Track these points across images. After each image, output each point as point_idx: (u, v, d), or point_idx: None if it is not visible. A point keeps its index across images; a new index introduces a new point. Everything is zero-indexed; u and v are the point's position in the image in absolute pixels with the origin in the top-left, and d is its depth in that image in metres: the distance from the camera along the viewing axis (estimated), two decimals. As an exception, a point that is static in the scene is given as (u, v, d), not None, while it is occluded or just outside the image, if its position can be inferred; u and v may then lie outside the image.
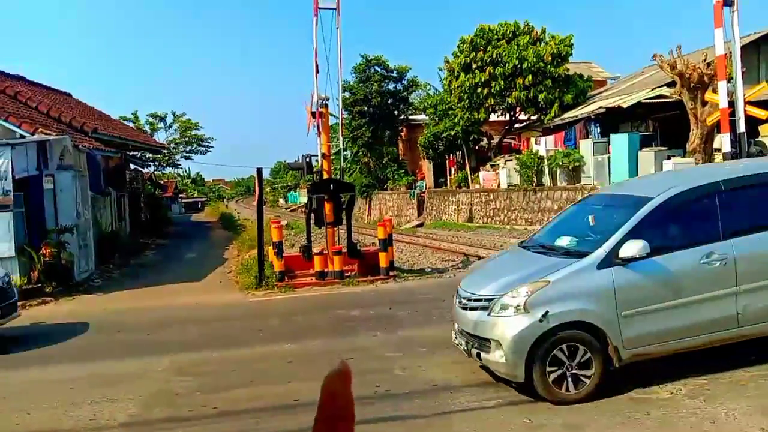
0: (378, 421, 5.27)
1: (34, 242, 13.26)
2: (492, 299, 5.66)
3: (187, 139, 50.66)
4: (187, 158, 52.22)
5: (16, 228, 12.80)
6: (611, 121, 20.79)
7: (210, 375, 7.06)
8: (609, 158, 19.27)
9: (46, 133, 14.03)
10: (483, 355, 5.64)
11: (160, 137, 47.99)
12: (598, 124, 21.50)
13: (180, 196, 61.90)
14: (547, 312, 5.35)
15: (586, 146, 20.86)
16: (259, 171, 14.23)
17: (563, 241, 6.39)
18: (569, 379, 5.37)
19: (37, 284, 12.96)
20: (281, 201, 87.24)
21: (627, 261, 5.50)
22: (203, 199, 78.06)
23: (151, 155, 35.60)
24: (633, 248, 5.46)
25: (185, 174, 66.39)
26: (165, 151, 40.91)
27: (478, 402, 5.48)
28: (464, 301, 6.03)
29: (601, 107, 21.34)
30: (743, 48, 13.70)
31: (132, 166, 25.96)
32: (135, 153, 26.85)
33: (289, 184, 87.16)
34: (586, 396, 5.36)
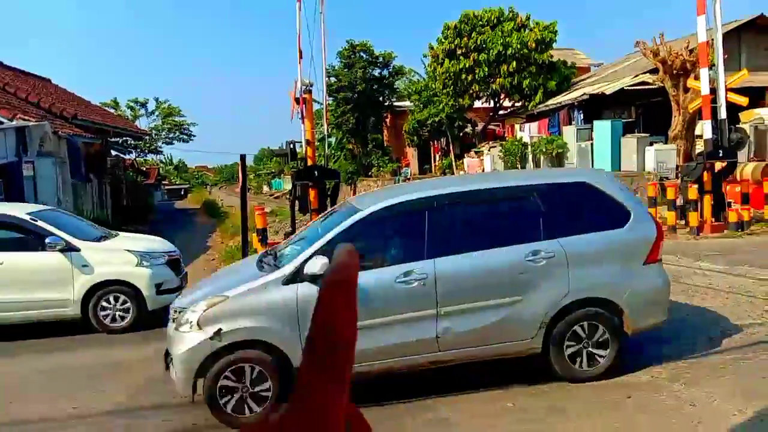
0: (361, 407, 5.29)
1: (14, 230, 13.07)
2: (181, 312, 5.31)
3: (169, 125, 50.18)
4: (168, 143, 51.76)
5: (-5, 215, 12.59)
6: (595, 107, 20.89)
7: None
8: (592, 145, 19.37)
9: (25, 119, 13.79)
10: (171, 370, 5.25)
11: (142, 123, 47.62)
12: (581, 111, 21.59)
13: (163, 182, 61.24)
14: (220, 329, 4.99)
15: (569, 133, 20.95)
16: (243, 158, 14.10)
17: (285, 252, 5.91)
18: (247, 401, 5.06)
19: (17, 272, 12.79)
20: (265, 188, 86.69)
21: (314, 278, 5.07)
22: (186, 186, 77.26)
23: (132, 141, 35.20)
24: (316, 265, 5.04)
25: (168, 161, 65.77)
26: (147, 137, 40.50)
27: (461, 387, 5.50)
28: (170, 310, 5.67)
29: (584, 94, 21.42)
30: (725, 35, 13.79)
31: (113, 153, 25.65)
32: (116, 139, 26.51)
33: (273, 170, 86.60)
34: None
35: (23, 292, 8.15)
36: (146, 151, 48.38)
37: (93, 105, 26.76)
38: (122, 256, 8.63)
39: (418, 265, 5.25)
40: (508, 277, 5.34)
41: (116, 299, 8.47)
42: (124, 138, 29.07)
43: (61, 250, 8.26)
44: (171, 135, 50.85)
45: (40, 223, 8.44)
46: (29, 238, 8.36)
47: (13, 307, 8.14)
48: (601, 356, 5.41)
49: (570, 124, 21.79)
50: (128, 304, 8.48)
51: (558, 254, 5.34)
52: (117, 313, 8.50)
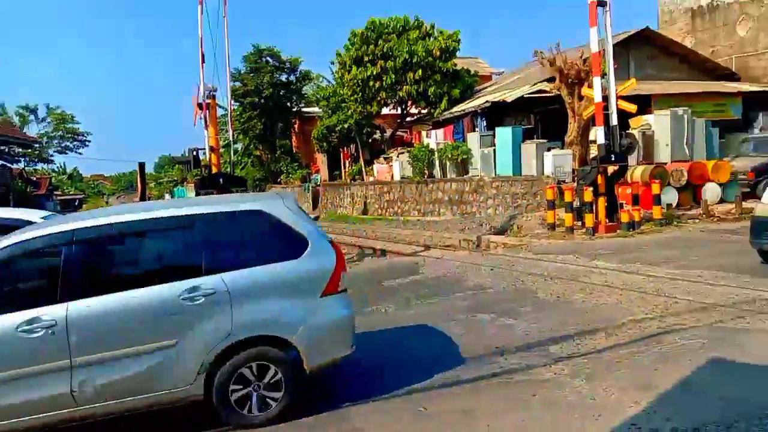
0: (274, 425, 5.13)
1: None
2: None
3: (61, 132, 47.38)
4: (61, 153, 48.94)
5: None
6: (496, 114, 21.61)
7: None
8: (494, 151, 20.00)
9: None
10: None
11: (32, 130, 44.58)
12: (484, 118, 22.25)
13: (55, 193, 57.61)
14: None
15: (473, 139, 21.53)
16: (141, 165, 13.54)
17: None
18: None
19: None
20: (167, 196, 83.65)
21: None
22: (81, 196, 73.10)
23: (21, 150, 32.88)
24: None
25: (61, 170, 61.98)
26: (37, 145, 37.96)
27: (372, 393, 5.46)
28: None
29: (486, 101, 22.10)
30: (615, 46, 14.64)
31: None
32: (2, 148, 24.67)
33: (175, 178, 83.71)
34: None
35: None
36: (36, 160, 45.38)
37: (-26, 110, 24.78)
38: None
39: (46, 311, 4.65)
40: (159, 319, 4.82)
41: None
42: (11, 146, 27.09)
43: None
44: (64, 143, 48.06)
45: None
46: None
47: None
48: (273, 399, 4.99)
49: (474, 130, 22.40)
50: None
51: (219, 290, 4.90)
52: None
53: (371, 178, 28.14)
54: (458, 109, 24.75)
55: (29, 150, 37.37)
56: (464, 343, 6.75)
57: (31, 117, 46.84)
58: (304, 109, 38.51)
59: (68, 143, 48.55)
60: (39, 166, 48.39)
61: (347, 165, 32.84)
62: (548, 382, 5.41)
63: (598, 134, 14.04)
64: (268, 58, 37.09)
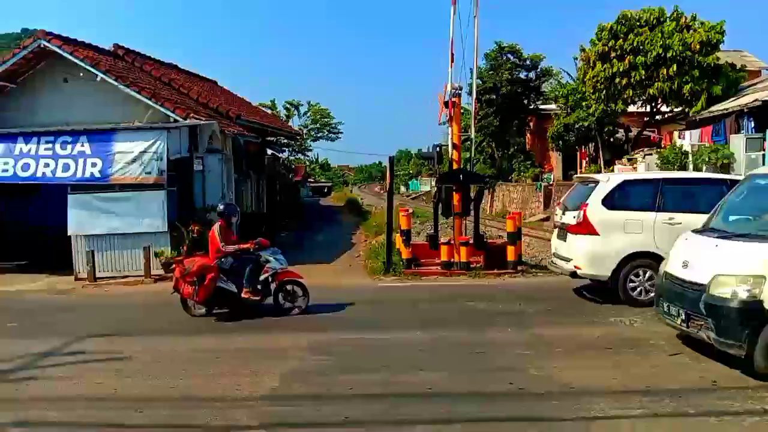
0: (512, 420, 5.21)
1: (184, 219, 14.34)
2: None
3: (318, 126, 52.93)
4: (314, 140, 54.77)
5: (169, 205, 13.92)
6: (768, 115, 18.97)
7: (345, 356, 7.27)
8: (764, 156, 17.64)
9: (196, 118, 15.10)
10: None
11: (294, 124, 50.41)
12: (752, 119, 19.71)
13: (308, 180, 64.38)
14: None
15: (737, 142, 19.19)
16: (391, 160, 14.47)
17: None
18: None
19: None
20: (402, 188, 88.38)
21: None
22: (329, 184, 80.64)
23: (285, 140, 37.35)
24: None
25: (314, 159, 69.05)
26: (298, 137, 42.80)
27: (621, 409, 5.23)
28: None
29: (756, 100, 19.52)
30: None
31: (269, 151, 27.33)
32: (272, 138, 28.24)
33: (410, 172, 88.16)
34: None
35: None
36: (297, 150, 51.19)
37: (253, 106, 28.69)
38: None
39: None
40: None
41: None
42: (279, 137, 30.89)
43: None
44: (319, 134, 53.72)
45: None
46: None
47: None
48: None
49: (738, 132, 19.98)
50: None
51: None
52: None
53: (610, 181, 26.60)
54: (719, 108, 22.20)
55: (292, 141, 42.20)
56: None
57: (295, 111, 53.23)
58: (541, 107, 37.72)
59: (323, 134, 54.13)
60: (299, 155, 54.68)
61: (583, 165, 31.50)
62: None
63: None
64: (508, 55, 36.98)
